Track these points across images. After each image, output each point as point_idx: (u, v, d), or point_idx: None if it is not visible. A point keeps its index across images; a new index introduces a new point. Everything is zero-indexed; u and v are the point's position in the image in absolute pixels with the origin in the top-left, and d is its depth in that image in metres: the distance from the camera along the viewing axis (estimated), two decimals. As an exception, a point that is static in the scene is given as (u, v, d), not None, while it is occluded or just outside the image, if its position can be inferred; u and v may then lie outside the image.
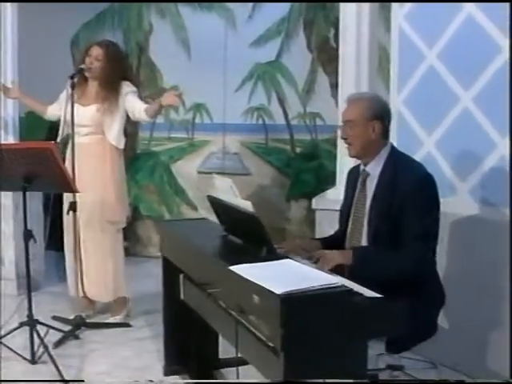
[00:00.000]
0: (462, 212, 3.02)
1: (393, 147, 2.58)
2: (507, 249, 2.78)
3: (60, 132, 3.77)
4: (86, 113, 3.69)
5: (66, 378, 3.02)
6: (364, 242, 2.53)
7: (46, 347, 3.15)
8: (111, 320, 3.83)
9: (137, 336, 3.67)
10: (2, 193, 4.30)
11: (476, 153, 3.00)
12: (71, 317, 3.79)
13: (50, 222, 3.63)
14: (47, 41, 5.21)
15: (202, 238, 2.61)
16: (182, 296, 2.90)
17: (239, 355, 2.20)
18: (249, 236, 2.35)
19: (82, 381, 2.94)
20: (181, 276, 2.89)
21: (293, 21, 5.00)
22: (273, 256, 2.23)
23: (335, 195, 3.67)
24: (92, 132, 3.71)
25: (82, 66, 3.63)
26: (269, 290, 1.86)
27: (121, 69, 3.72)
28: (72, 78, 3.57)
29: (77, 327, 3.61)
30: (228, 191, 2.40)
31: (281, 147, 5.15)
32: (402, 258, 2.39)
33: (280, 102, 5.10)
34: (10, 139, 4.34)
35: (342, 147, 3.70)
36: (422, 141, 3.26)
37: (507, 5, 2.79)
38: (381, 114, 2.53)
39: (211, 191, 2.71)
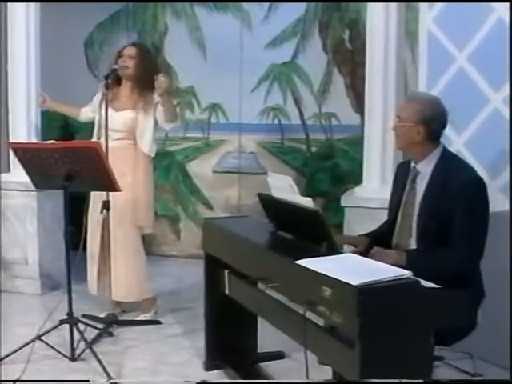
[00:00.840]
0: (493, 209, 3.11)
1: (445, 149, 2.65)
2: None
3: (95, 134, 3.82)
4: (119, 118, 3.73)
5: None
6: (413, 237, 2.60)
7: (89, 344, 3.20)
8: (141, 318, 3.89)
9: (169, 333, 3.73)
10: (26, 193, 4.34)
11: (506, 151, 3.10)
12: (101, 315, 3.84)
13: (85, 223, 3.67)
14: (60, 41, 5.23)
15: (253, 234, 2.69)
16: (226, 291, 2.98)
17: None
18: (306, 232, 2.42)
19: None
20: (225, 272, 2.97)
21: (308, 22, 5.08)
22: (332, 251, 2.31)
23: (363, 193, 3.76)
24: (124, 137, 3.76)
25: (116, 66, 3.68)
26: (344, 282, 1.95)
27: (153, 68, 3.77)
28: (106, 78, 3.63)
29: (109, 325, 3.66)
30: (287, 189, 2.46)
31: (296, 147, 5.23)
32: (450, 260, 2.44)
33: (296, 102, 5.18)
34: (33, 139, 4.39)
35: (368, 146, 3.80)
36: (452, 140, 3.35)
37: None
38: (429, 119, 2.57)
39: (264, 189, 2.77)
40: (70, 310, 3.29)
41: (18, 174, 4.32)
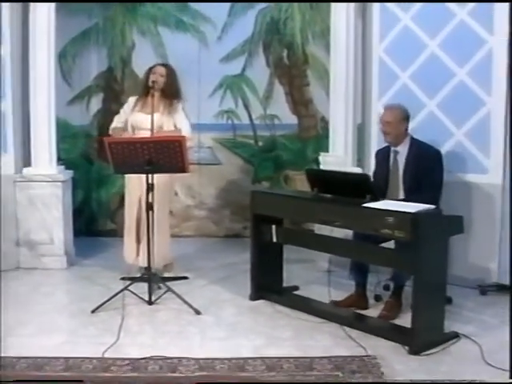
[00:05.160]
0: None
1: (411, 136, 4.18)
2: (463, 200, 4.51)
3: (130, 132, 4.79)
4: (148, 119, 4.69)
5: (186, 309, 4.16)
6: (401, 192, 4.12)
7: (169, 288, 4.25)
8: (171, 275, 4.93)
9: (200, 284, 4.83)
10: (52, 183, 5.13)
11: (437, 141, 4.63)
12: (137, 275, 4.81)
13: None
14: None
15: (306, 195, 3.99)
16: (274, 240, 4.22)
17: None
18: (351, 190, 3.76)
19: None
20: (273, 226, 4.22)
21: (254, 43, 6.38)
22: (375, 200, 3.69)
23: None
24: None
25: (153, 79, 4.68)
26: (403, 212, 3.36)
27: (177, 85, 4.85)
28: (148, 91, 4.67)
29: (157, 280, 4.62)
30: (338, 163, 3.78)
31: (246, 142, 6.50)
32: (425, 200, 3.91)
33: (245, 106, 6.46)
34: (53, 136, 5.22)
35: (334, 136, 5.19)
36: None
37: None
38: (407, 117, 4.14)
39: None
40: (149, 266, 4.30)
41: (44, 168, 5.15)
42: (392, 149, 4.23)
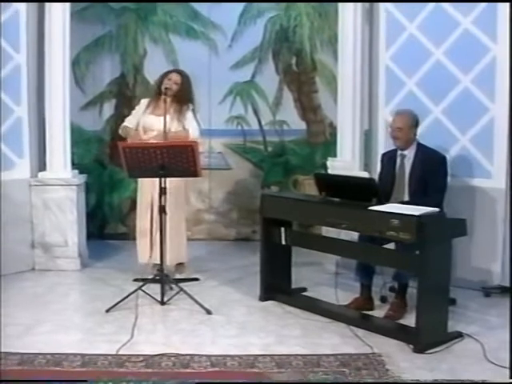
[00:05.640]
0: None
1: (418, 141, 4.30)
2: (467, 203, 4.62)
3: (142, 135, 4.93)
4: (158, 121, 4.85)
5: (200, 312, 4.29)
6: (406, 195, 4.24)
7: (181, 289, 4.38)
8: (182, 276, 5.06)
9: (210, 285, 4.96)
10: (67, 187, 5.28)
11: (442, 146, 4.74)
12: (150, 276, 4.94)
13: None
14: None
15: (315, 199, 4.11)
16: (283, 242, 4.35)
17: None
18: (358, 194, 3.88)
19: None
20: (282, 228, 4.34)
21: (264, 50, 6.52)
22: (380, 203, 3.81)
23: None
24: (160, 136, 4.87)
25: (167, 86, 4.82)
26: (408, 214, 3.47)
27: (190, 91, 4.98)
28: (160, 94, 4.79)
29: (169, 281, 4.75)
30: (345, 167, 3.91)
31: (256, 147, 6.64)
32: (429, 203, 4.02)
33: (255, 112, 6.59)
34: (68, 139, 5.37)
35: (341, 142, 5.32)
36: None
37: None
38: (417, 123, 4.26)
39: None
40: (161, 266, 4.43)
41: (59, 172, 5.30)
42: (399, 152, 4.34)
